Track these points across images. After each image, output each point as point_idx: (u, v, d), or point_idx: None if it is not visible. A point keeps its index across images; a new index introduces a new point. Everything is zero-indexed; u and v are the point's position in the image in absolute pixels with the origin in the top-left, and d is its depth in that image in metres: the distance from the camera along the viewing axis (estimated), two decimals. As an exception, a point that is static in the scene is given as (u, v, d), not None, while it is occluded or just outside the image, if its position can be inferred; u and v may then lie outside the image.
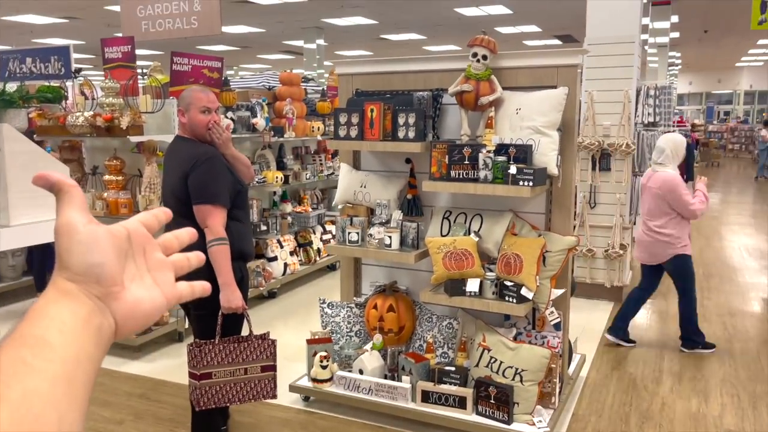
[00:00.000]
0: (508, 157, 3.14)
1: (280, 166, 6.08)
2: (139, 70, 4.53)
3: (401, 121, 3.32)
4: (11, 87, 5.60)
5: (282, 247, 5.91)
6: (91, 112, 4.17)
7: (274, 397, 2.83)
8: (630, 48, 5.35)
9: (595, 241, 5.70)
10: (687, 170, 11.11)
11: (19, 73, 5.64)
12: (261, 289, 5.50)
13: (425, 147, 3.31)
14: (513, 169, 3.05)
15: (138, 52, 5.03)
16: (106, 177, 4.36)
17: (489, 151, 3.14)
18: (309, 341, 3.66)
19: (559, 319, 3.32)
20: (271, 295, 5.86)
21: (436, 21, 13.88)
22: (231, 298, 2.78)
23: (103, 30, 13.10)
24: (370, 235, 3.49)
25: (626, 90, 5.35)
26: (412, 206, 3.64)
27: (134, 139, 4.09)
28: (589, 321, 5.14)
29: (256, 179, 5.45)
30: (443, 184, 3.22)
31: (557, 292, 3.32)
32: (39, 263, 5.40)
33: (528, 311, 3.26)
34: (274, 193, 5.97)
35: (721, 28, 15.64)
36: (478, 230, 3.38)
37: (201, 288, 0.64)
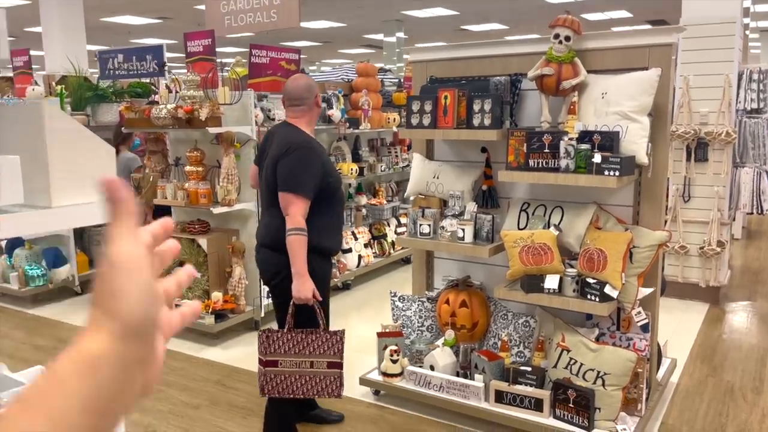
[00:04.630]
0: (593, 145, 2.93)
1: (356, 157, 6.06)
2: (218, 62, 4.61)
3: (476, 107, 3.18)
4: (105, 83, 5.93)
5: (357, 239, 5.89)
6: (174, 105, 4.29)
7: (339, 396, 2.78)
8: (731, 29, 4.91)
9: (689, 238, 5.29)
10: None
11: (117, 72, 5.91)
12: (335, 280, 5.50)
13: (502, 135, 3.14)
14: (597, 158, 2.84)
15: (227, 49, 5.14)
16: (187, 168, 4.48)
17: (571, 139, 2.94)
18: (379, 334, 3.59)
19: (647, 321, 3.07)
20: (346, 286, 5.86)
21: (519, 9, 13.44)
22: (301, 288, 2.76)
23: (194, 29, 13.64)
24: (443, 227, 3.37)
25: (727, 74, 4.91)
26: (488, 198, 3.49)
27: (213, 130, 4.16)
28: (682, 323, 4.78)
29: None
30: (521, 173, 3.05)
31: (645, 291, 3.07)
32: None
33: (612, 311, 3.04)
34: (350, 185, 5.95)
35: (837, 6, 14.18)
36: (559, 223, 3.18)
37: (191, 313, 0.53)
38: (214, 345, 4.48)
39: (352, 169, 5.64)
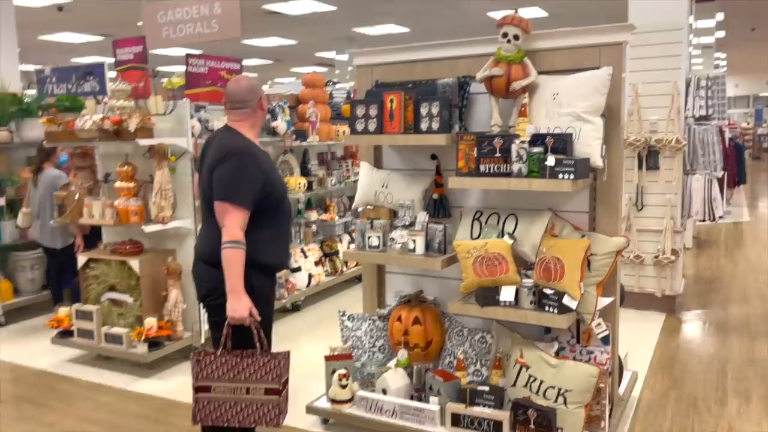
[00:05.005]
0: (545, 149, 2.78)
1: (305, 171, 5.81)
2: (150, 71, 4.32)
3: (424, 111, 2.99)
4: (30, 98, 5.52)
5: (306, 256, 5.62)
6: (100, 116, 3.97)
7: (278, 425, 2.50)
8: (678, 35, 4.91)
9: (644, 247, 5.23)
10: (739, 174, 10.47)
11: (56, 92, 5.48)
12: (283, 301, 5.21)
13: (451, 139, 2.96)
14: (551, 161, 2.68)
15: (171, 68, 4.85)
16: (118, 184, 4.14)
17: (523, 142, 2.78)
18: (327, 358, 3.33)
19: (607, 332, 2.91)
20: (295, 307, 5.56)
21: (468, 27, 13.54)
22: (236, 306, 2.49)
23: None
24: (392, 239, 3.16)
25: (675, 81, 4.91)
26: (439, 207, 3.30)
27: (143, 142, 3.86)
28: (640, 333, 4.67)
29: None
30: (472, 180, 2.87)
31: (605, 301, 2.91)
32: (56, 276, 5.23)
33: (572, 323, 2.87)
34: (299, 200, 5.69)
35: (770, 24, 14.83)
36: (513, 232, 3.01)
37: None
38: (148, 376, 4.12)
39: (299, 184, 5.39)
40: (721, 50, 18.17)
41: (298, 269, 5.50)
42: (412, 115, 3.04)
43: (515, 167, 2.78)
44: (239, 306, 2.49)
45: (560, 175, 2.67)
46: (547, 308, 2.79)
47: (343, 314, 3.52)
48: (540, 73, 2.95)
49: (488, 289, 2.89)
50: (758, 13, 13.20)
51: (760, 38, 16.81)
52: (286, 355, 2.62)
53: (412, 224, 3.21)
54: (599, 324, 2.89)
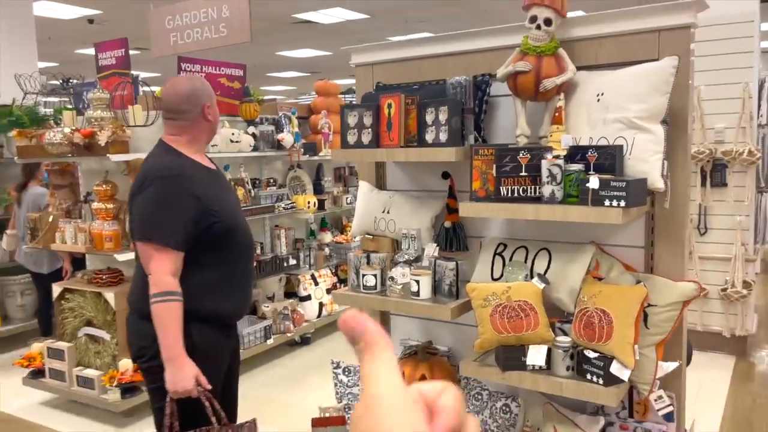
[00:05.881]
0: (587, 166, 2.11)
1: (317, 189, 5.25)
2: (134, 76, 3.83)
3: (429, 118, 2.36)
4: (22, 107, 5.14)
5: (317, 283, 5.04)
6: (73, 128, 3.49)
7: None
8: (749, 29, 4.14)
9: (707, 277, 4.44)
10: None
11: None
12: (289, 335, 4.63)
13: (463, 154, 2.32)
14: (594, 182, 2.01)
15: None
16: (95, 205, 3.66)
17: (557, 157, 2.12)
18: (315, 422, 2.71)
19: (671, 408, 2.21)
20: (304, 341, 4.98)
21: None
22: (176, 378, 1.94)
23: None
24: (392, 278, 2.53)
25: (746, 82, 4.13)
26: (452, 237, 2.65)
27: (116, 157, 3.36)
28: (706, 384, 3.89)
29: (284, 204, 4.63)
30: (488, 206, 2.22)
31: (667, 367, 2.21)
32: (44, 304, 4.79)
33: (622, 396, 2.17)
34: (308, 221, 5.13)
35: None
36: (545, 272, 2.34)
37: None
38: (123, 426, 3.59)
39: (309, 203, 4.82)
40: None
41: (308, 298, 4.93)
42: (415, 123, 2.41)
43: (546, 190, 2.12)
44: (180, 376, 1.92)
45: (607, 202, 1.99)
46: (589, 377, 2.11)
47: (337, 366, 2.90)
48: (579, 68, 2.29)
49: (512, 349, 2.23)
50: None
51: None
52: (252, 425, 2.05)
53: (417, 259, 2.58)
54: (660, 397, 2.18)
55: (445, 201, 2.68)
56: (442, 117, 2.32)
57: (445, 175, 2.69)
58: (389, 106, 2.43)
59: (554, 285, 2.30)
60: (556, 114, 2.26)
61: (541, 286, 2.27)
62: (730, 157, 4.22)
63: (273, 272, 4.60)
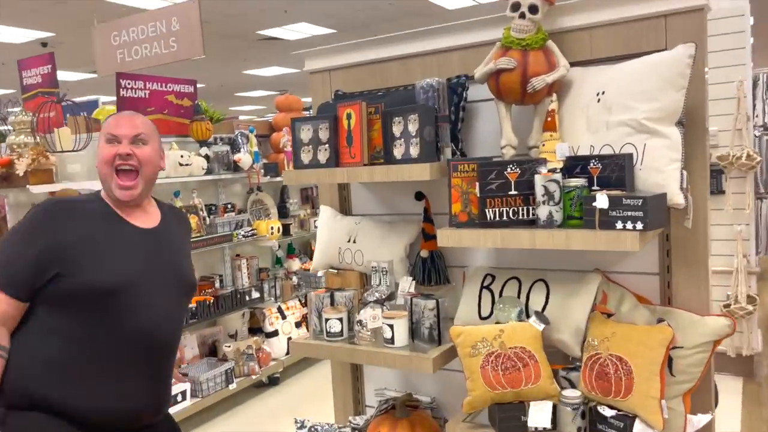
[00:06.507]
0: (590, 180, 1.73)
1: (282, 212, 4.81)
2: (61, 95, 3.37)
3: (397, 129, 1.96)
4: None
5: (284, 317, 4.58)
6: (-10, 156, 3.02)
7: None
8: (741, 23, 3.85)
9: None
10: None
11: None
12: (254, 377, 4.16)
13: (439, 170, 1.92)
14: (602, 201, 1.62)
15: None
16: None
17: (553, 171, 1.74)
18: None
19: (705, 471, 1.81)
20: (273, 381, 4.51)
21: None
22: None
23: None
24: (360, 322, 2.10)
25: (740, 80, 3.83)
26: (430, 268, 2.25)
27: (38, 188, 2.89)
28: (718, 410, 3.51)
29: (245, 231, 4.18)
30: (472, 233, 1.81)
31: (698, 421, 1.81)
32: None
33: (647, 461, 1.77)
34: (272, 248, 4.69)
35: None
36: (543, 309, 1.94)
37: None
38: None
39: (272, 228, 4.39)
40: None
41: (275, 333, 4.47)
42: (380, 135, 2.01)
43: (543, 212, 1.73)
44: None
45: (619, 224, 1.60)
46: (606, 440, 1.70)
47: (301, 425, 2.45)
48: (573, 64, 1.91)
49: (508, 407, 1.82)
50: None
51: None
52: None
53: (390, 297, 2.16)
54: (691, 459, 1.79)
55: (421, 226, 2.28)
56: (412, 127, 1.92)
57: (419, 196, 2.29)
58: (348, 116, 2.02)
59: (555, 324, 1.90)
60: (548, 119, 1.88)
61: (541, 327, 1.87)
62: (726, 162, 3.90)
63: (234, 308, 4.15)
